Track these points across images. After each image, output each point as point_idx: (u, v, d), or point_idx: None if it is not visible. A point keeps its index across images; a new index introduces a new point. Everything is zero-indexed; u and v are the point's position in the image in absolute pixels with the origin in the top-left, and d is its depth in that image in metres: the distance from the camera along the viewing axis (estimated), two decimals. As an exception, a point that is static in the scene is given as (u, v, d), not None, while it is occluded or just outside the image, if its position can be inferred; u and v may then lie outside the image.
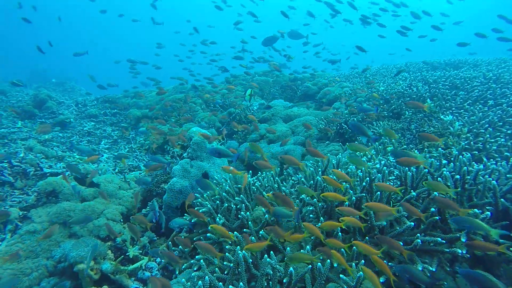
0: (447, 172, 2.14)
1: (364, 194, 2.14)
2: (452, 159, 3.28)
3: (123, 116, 7.54)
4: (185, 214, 2.79)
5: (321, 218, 2.15)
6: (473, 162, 2.64)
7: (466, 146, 3.35)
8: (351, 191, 2.12)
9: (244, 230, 2.12)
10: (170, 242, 2.80)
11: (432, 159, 3.01)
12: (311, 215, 2.15)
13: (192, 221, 2.61)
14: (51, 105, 7.35)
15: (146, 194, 3.51)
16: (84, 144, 6.01)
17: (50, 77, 17.53)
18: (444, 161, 2.43)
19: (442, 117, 4.17)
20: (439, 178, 2.11)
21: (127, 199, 3.50)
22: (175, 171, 3.16)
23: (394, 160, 2.96)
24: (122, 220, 3.29)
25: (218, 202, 2.45)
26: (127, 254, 2.85)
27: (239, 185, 2.63)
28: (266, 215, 2.23)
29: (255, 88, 5.77)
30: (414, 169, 2.34)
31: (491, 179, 2.10)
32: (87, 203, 3.14)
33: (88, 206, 3.08)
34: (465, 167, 2.11)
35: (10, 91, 9.44)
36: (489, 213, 1.78)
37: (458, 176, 2.21)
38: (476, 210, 1.90)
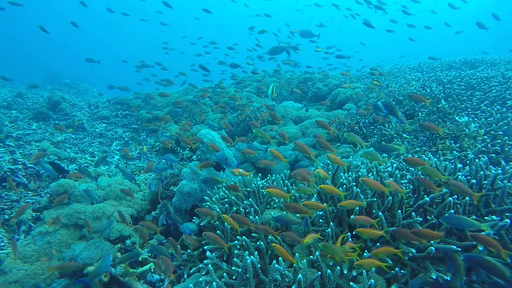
0: (463, 177, 2.06)
1: (375, 199, 2.08)
2: (467, 162, 3.20)
3: (134, 117, 7.62)
4: (193, 218, 2.78)
5: (331, 223, 2.11)
6: (491, 166, 2.55)
7: (483, 148, 3.24)
8: (362, 196, 2.07)
9: (253, 234, 2.09)
10: (178, 245, 2.79)
11: (446, 162, 2.93)
12: (320, 220, 2.10)
13: (202, 224, 2.60)
14: (65, 107, 7.49)
15: (154, 196, 3.52)
16: (96, 146, 6.10)
17: (64, 78, 17.90)
18: (459, 165, 2.34)
19: (457, 118, 4.05)
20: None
21: (137, 201, 3.52)
22: (184, 174, 3.16)
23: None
24: (131, 222, 3.31)
25: (227, 205, 2.43)
26: (136, 256, 2.85)
27: (248, 188, 2.60)
28: (273, 221, 2.20)
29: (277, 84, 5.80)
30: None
31: (510, 184, 2.01)
32: (97, 205, 3.17)
33: (98, 208, 3.11)
34: (482, 172, 2.03)
35: (26, 94, 9.68)
36: (508, 220, 1.70)
37: (474, 181, 2.13)
38: (494, 217, 1.82)
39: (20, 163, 3.91)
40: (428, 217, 1.94)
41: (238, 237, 2.09)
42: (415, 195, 2.23)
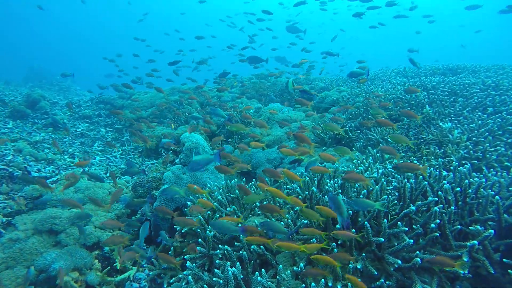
0: (448, 185, 2.05)
1: (359, 208, 2.04)
2: (451, 168, 3.23)
3: (118, 117, 7.41)
4: (174, 226, 2.69)
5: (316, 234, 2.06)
6: (473, 173, 2.56)
7: (466, 155, 3.28)
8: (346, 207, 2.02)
9: (236, 243, 2.02)
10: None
11: (431, 168, 2.94)
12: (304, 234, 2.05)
13: (183, 231, 2.51)
14: (44, 105, 7.21)
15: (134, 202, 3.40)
16: (77, 146, 5.88)
17: (46, 75, 17.35)
18: (444, 172, 2.34)
19: (441, 124, 4.09)
20: (439, 192, 2.01)
21: (117, 205, 3.39)
22: (166, 178, 3.06)
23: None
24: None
25: (209, 212, 2.35)
26: (114, 264, 2.74)
27: (231, 195, 2.53)
28: (259, 228, 2.13)
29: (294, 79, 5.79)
30: (414, 181, 2.26)
31: (493, 192, 2.01)
32: (74, 210, 3.03)
33: (74, 213, 2.96)
34: (467, 180, 2.02)
35: (3, 90, 9.29)
36: (492, 231, 1.69)
37: (458, 189, 2.13)
38: (478, 226, 1.81)
39: (-8, 164, 3.71)
40: (413, 226, 1.91)
41: (220, 246, 2.01)
42: (401, 203, 2.21)
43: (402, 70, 7.21)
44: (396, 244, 1.85)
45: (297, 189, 2.63)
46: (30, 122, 6.66)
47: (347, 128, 4.64)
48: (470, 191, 2.01)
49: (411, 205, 1.94)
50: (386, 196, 2.01)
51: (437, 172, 2.71)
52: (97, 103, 8.19)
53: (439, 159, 2.83)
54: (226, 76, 6.89)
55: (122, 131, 6.89)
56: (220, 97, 6.96)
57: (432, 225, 1.77)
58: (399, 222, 1.87)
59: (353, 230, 1.88)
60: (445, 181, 2.10)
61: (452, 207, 1.83)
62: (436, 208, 1.80)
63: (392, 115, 4.55)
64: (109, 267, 2.68)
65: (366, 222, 1.87)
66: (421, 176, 2.31)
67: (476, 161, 3.16)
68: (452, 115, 4.21)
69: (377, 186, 2.13)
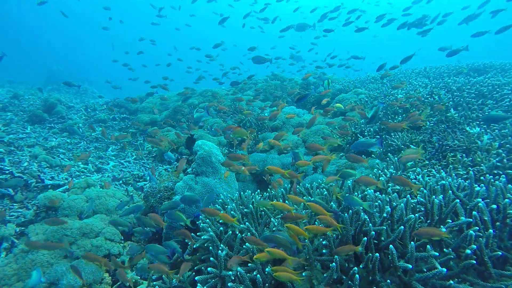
0: (483, 203, 1.85)
1: (385, 227, 1.88)
2: (481, 177, 2.99)
3: (132, 121, 7.44)
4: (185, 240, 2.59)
5: (336, 256, 1.90)
6: (510, 185, 2.34)
7: (498, 163, 3.03)
8: (371, 225, 1.86)
9: (249, 265, 1.89)
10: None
11: (460, 179, 2.72)
12: (324, 250, 1.89)
13: (194, 246, 2.41)
14: (61, 109, 7.31)
15: (149, 211, 3.33)
16: (91, 151, 5.91)
17: (64, 78, 17.77)
18: (477, 188, 2.13)
19: (468, 129, 3.84)
20: (474, 212, 1.81)
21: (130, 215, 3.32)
22: (178, 188, 2.96)
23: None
24: (123, 238, 3.12)
25: (221, 228, 2.23)
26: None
27: (245, 209, 2.40)
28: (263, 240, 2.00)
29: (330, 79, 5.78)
30: (442, 197, 2.07)
31: (536, 213, 1.80)
32: (85, 221, 2.98)
33: (86, 224, 2.91)
34: (507, 199, 1.82)
35: (23, 95, 9.51)
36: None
37: (494, 206, 1.93)
38: (520, 252, 1.61)
39: (7, 172, 3.73)
40: (444, 249, 1.73)
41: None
42: (428, 221, 2.03)
43: (423, 71, 6.90)
44: (425, 270, 1.67)
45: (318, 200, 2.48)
46: (47, 127, 6.75)
47: (365, 133, 4.44)
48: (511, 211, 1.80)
49: (441, 226, 1.75)
50: (413, 216, 1.82)
51: (465, 183, 2.50)
52: (112, 107, 8.25)
53: (470, 170, 2.60)
54: (237, 84, 6.84)
55: (136, 135, 6.89)
56: (234, 101, 6.86)
57: (468, 251, 1.58)
58: (428, 246, 1.69)
59: (377, 254, 1.71)
60: (480, 200, 1.89)
61: (491, 231, 1.63)
62: (471, 231, 1.61)
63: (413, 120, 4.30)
64: (119, 281, 2.61)
65: (391, 246, 1.70)
66: (450, 191, 2.11)
67: (511, 171, 2.91)
68: (481, 120, 3.94)
69: (402, 204, 1.95)
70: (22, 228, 3.06)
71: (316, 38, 7.12)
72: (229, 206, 2.50)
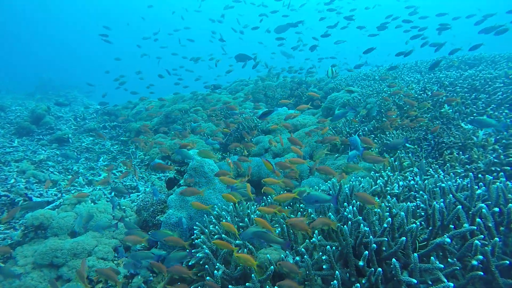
0: (486, 209, 1.79)
1: (386, 239, 1.81)
2: (479, 175, 2.94)
3: (123, 129, 7.29)
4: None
5: (337, 271, 1.83)
6: (508, 182, 2.28)
7: (495, 160, 2.98)
8: (371, 237, 1.79)
9: (247, 284, 1.81)
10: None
11: (459, 179, 2.67)
12: (324, 266, 1.82)
13: (190, 263, 2.31)
14: (49, 120, 7.14)
15: (142, 225, 3.23)
16: (82, 162, 5.76)
17: (55, 86, 17.50)
18: (478, 190, 2.07)
19: (462, 124, 3.79)
20: (478, 220, 1.75)
21: (121, 230, 3.22)
22: (171, 202, 2.86)
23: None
24: (116, 255, 3.01)
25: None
26: (119, 299, 2.56)
27: (241, 223, 2.32)
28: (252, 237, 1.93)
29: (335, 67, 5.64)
30: (442, 201, 2.00)
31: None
32: (76, 240, 2.86)
33: (77, 244, 2.80)
34: (511, 204, 1.76)
35: (10, 106, 9.29)
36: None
37: (497, 209, 1.87)
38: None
39: (-7, 191, 3.59)
40: (449, 259, 1.67)
41: (230, 286, 1.81)
42: (429, 228, 1.96)
43: (414, 65, 6.87)
44: (430, 282, 1.61)
45: (312, 215, 2.40)
46: (35, 139, 6.58)
47: (360, 133, 4.38)
48: (514, 216, 1.75)
49: (445, 236, 1.69)
50: (415, 225, 1.76)
51: (463, 182, 2.45)
52: (102, 115, 8.09)
53: (470, 174, 2.54)
54: (218, 88, 6.78)
55: (128, 143, 6.75)
56: (226, 103, 6.75)
57: (474, 262, 1.52)
58: (432, 257, 1.62)
59: (380, 269, 1.64)
60: (483, 204, 1.83)
61: (497, 239, 1.57)
62: (477, 241, 1.55)
63: (409, 117, 4.25)
64: (114, 303, 2.51)
65: (393, 260, 1.63)
66: (451, 195, 2.05)
67: (508, 167, 2.87)
68: (475, 114, 3.90)
69: (402, 212, 1.88)
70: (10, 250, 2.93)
71: (337, 43, 7.01)
72: (223, 220, 2.42)
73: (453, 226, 1.88)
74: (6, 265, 2.83)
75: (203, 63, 8.72)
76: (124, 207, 3.60)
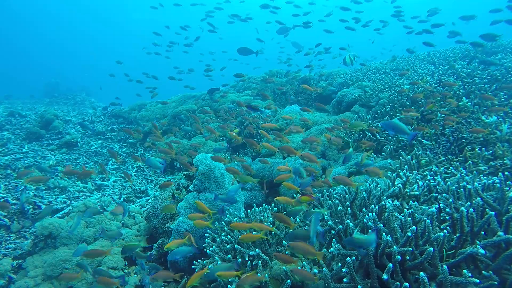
0: (521, 214, 1.64)
1: (410, 249, 1.68)
2: (506, 173, 2.77)
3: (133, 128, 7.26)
4: (194, 262, 2.41)
5: (356, 276, 1.72)
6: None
7: (522, 156, 2.80)
8: (395, 247, 1.66)
9: (262, 299, 1.70)
10: None
11: (484, 178, 2.50)
12: (345, 279, 1.70)
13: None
14: (58, 124, 7.15)
15: (152, 232, 3.15)
16: (91, 166, 5.74)
17: (63, 91, 17.69)
18: (510, 193, 1.91)
19: (484, 118, 3.60)
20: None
21: (131, 238, 3.16)
22: (181, 209, 2.78)
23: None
24: (127, 264, 2.95)
25: (229, 255, 2.04)
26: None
27: (253, 231, 2.21)
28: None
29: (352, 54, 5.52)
30: (469, 205, 1.85)
31: None
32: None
33: (86, 253, 2.74)
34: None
35: (20, 111, 9.35)
36: None
37: (532, 214, 1.72)
38: None
39: (1, 200, 3.57)
40: (484, 272, 1.53)
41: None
42: (457, 235, 1.82)
43: (427, 56, 6.62)
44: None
45: (325, 215, 2.28)
46: (45, 143, 6.60)
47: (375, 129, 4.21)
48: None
49: (478, 245, 1.55)
50: (442, 234, 1.62)
51: (489, 181, 2.29)
52: (109, 117, 8.08)
53: (493, 168, 2.38)
54: (214, 92, 6.76)
55: (136, 145, 6.72)
56: (233, 102, 6.64)
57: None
58: (464, 271, 1.49)
59: (406, 284, 1.52)
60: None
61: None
62: (515, 253, 1.41)
63: (424, 111, 4.07)
64: (125, 315, 2.45)
65: (421, 274, 1.50)
66: (479, 198, 1.90)
67: (536, 165, 2.69)
68: (497, 107, 3.70)
69: (427, 219, 1.74)
70: (20, 261, 2.90)
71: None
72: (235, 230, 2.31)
73: (483, 233, 1.73)
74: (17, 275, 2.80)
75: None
76: (133, 214, 3.54)
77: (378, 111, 4.41)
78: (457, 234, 1.78)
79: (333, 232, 2.02)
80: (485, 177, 2.55)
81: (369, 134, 4.12)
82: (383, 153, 3.78)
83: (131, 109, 8.08)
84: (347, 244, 1.80)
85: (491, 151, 3.06)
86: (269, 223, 2.32)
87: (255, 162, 4.34)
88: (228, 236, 2.24)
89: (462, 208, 1.76)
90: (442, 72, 4.79)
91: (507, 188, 2.00)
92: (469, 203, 1.92)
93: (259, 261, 1.92)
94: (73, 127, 7.45)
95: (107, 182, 4.95)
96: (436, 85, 4.38)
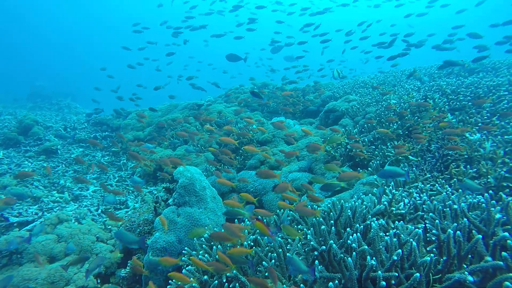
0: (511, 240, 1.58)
1: (396, 274, 1.59)
2: (490, 192, 2.74)
3: (114, 139, 7.06)
4: (169, 281, 2.26)
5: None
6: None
7: (507, 174, 2.79)
8: (380, 272, 1.57)
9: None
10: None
11: (470, 197, 2.46)
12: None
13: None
14: (37, 130, 6.89)
15: (127, 247, 2.99)
16: (70, 174, 5.51)
17: (47, 94, 17.29)
18: (497, 214, 1.86)
19: (467, 135, 3.61)
20: (504, 254, 1.54)
21: (105, 253, 2.98)
22: (158, 224, 2.63)
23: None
24: (99, 282, 2.77)
25: (206, 277, 1.91)
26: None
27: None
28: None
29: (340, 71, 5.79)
30: (456, 226, 1.80)
31: None
32: (54, 267, 2.62)
33: (54, 271, 2.56)
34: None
35: (-1, 115, 9.02)
36: None
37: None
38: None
39: (-32, 211, 3.33)
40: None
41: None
42: (444, 258, 1.75)
43: (413, 71, 6.71)
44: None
45: (308, 235, 2.18)
46: (22, 150, 6.33)
47: (360, 142, 4.18)
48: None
49: (466, 272, 1.48)
50: (429, 258, 1.55)
51: (474, 200, 2.25)
52: (93, 125, 7.86)
53: (485, 191, 2.34)
54: (200, 107, 6.77)
55: (119, 154, 6.52)
56: (220, 112, 6.55)
57: None
58: (453, 299, 1.41)
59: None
60: (506, 233, 1.62)
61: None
62: (508, 283, 1.34)
63: (410, 127, 4.07)
64: None
65: (408, 301, 1.41)
66: (465, 219, 1.85)
67: (521, 184, 2.68)
68: (480, 124, 3.73)
69: (413, 241, 1.67)
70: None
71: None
72: (214, 248, 2.19)
73: (470, 256, 1.67)
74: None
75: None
76: (110, 227, 3.36)
77: (365, 125, 4.39)
78: (444, 258, 1.71)
79: (315, 253, 1.93)
80: (470, 196, 2.52)
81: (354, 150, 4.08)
82: (369, 169, 3.73)
83: (115, 117, 7.88)
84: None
85: (475, 169, 3.05)
86: (249, 241, 2.20)
87: (240, 174, 4.23)
88: (206, 255, 2.11)
89: (449, 230, 1.69)
90: (428, 88, 4.83)
91: (493, 208, 1.96)
92: (455, 224, 1.86)
93: (237, 284, 1.80)
94: (54, 133, 7.19)
95: (86, 192, 4.74)
96: (422, 100, 4.41)
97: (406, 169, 3.03)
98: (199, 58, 12.67)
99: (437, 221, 1.89)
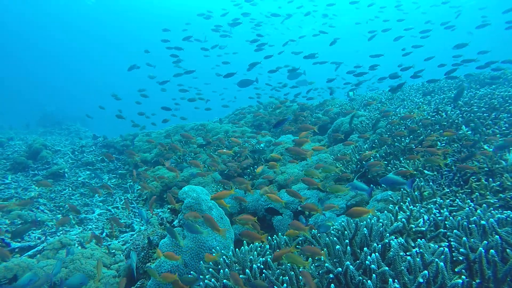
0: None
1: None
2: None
3: (121, 162, 7.03)
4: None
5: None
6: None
7: (532, 188, 2.60)
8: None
9: None
10: None
11: (495, 211, 2.28)
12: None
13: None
14: (46, 154, 6.91)
15: (131, 272, 2.84)
16: (76, 198, 5.44)
17: (58, 119, 17.62)
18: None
19: (486, 147, 3.44)
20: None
21: (108, 279, 2.84)
22: (163, 247, 2.50)
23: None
24: (100, 310, 2.61)
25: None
26: None
27: (241, 275, 1.94)
28: None
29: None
30: (486, 244, 1.63)
31: None
32: (53, 295, 2.48)
33: (53, 299, 2.42)
34: None
35: (8, 142, 9.14)
36: None
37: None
38: None
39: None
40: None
41: None
42: (476, 281, 1.57)
43: (421, 86, 6.62)
44: None
45: (326, 264, 2.01)
46: (30, 174, 6.33)
47: (372, 158, 4.03)
48: None
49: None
50: (461, 281, 1.38)
51: (502, 216, 2.07)
52: (101, 148, 7.88)
53: (503, 200, 2.17)
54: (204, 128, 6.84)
55: (126, 176, 6.46)
56: (227, 132, 6.51)
57: None
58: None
59: None
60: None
61: None
62: None
63: (423, 141, 3.92)
64: None
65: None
66: (497, 236, 1.67)
67: (549, 197, 2.49)
68: (498, 135, 3.56)
69: (441, 263, 1.50)
70: (-21, 308, 2.55)
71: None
72: (222, 267, 2.04)
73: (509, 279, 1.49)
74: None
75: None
76: (114, 251, 3.23)
77: (375, 140, 4.25)
78: (477, 280, 1.53)
79: (331, 275, 1.76)
80: (496, 211, 2.34)
81: (365, 163, 3.93)
82: (382, 185, 3.56)
83: (123, 139, 7.90)
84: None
85: (498, 182, 2.86)
86: (259, 264, 2.05)
87: (247, 196, 4.10)
88: (213, 280, 1.96)
89: (480, 248, 1.53)
90: (439, 100, 4.71)
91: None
92: (485, 241, 1.69)
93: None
94: (62, 157, 7.21)
95: (91, 215, 4.65)
96: (434, 114, 4.28)
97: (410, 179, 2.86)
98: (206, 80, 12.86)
99: (464, 238, 1.73)
